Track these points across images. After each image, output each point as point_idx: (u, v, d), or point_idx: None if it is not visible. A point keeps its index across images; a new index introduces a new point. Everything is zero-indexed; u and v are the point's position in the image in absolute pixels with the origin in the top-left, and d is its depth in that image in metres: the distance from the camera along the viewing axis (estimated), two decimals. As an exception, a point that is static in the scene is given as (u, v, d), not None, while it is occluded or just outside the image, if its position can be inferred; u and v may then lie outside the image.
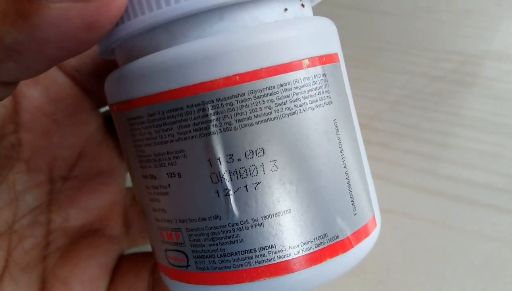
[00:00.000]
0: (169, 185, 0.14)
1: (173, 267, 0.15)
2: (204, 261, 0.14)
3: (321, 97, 0.14)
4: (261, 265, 0.14)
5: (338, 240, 0.14)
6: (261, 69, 0.13)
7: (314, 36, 0.14)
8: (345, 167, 0.15)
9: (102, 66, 0.19)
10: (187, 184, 0.14)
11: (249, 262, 0.14)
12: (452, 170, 0.26)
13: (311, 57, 0.14)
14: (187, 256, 0.15)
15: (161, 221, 0.15)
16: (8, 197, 0.18)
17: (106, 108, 0.21)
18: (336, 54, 0.15)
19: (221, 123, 0.13)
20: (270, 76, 0.13)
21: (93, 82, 0.19)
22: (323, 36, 0.15)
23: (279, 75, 0.13)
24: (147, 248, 0.22)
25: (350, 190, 0.15)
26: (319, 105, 0.14)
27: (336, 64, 0.15)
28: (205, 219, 0.14)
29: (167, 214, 0.15)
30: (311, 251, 0.14)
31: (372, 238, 0.16)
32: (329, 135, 0.14)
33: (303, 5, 0.15)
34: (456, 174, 0.26)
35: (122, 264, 0.21)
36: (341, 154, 0.14)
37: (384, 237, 0.22)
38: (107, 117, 0.21)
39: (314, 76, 0.14)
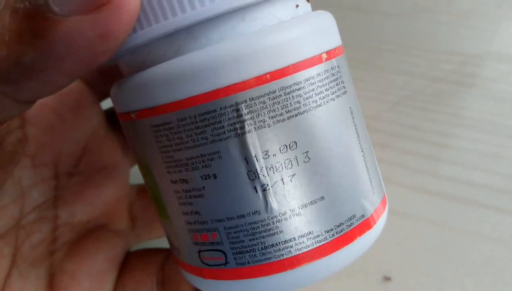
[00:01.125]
0: (203, 187, 0.14)
1: (208, 266, 0.15)
2: (245, 256, 0.15)
3: (339, 88, 0.15)
4: (301, 252, 0.14)
5: (364, 218, 0.15)
6: (289, 66, 0.14)
7: (326, 30, 0.15)
8: (362, 151, 0.16)
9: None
10: (223, 184, 0.14)
11: (290, 251, 0.14)
12: (452, 171, 0.25)
13: (328, 51, 0.15)
14: (225, 254, 0.15)
15: (194, 224, 0.15)
16: (15, 193, 0.18)
17: (107, 103, 0.21)
18: (341, 45, 0.16)
19: (255, 121, 0.13)
20: (297, 72, 0.14)
21: (95, 76, 0.19)
22: (332, 29, 0.15)
23: (304, 70, 0.14)
24: (152, 244, 0.22)
25: (368, 171, 0.16)
26: (338, 96, 0.15)
27: (344, 56, 0.16)
28: (244, 216, 0.14)
29: (201, 215, 0.15)
30: (343, 232, 0.15)
31: (386, 213, 0.17)
32: (348, 123, 0.15)
33: (308, 0, 0.16)
34: (456, 174, 0.25)
35: (130, 260, 0.21)
36: (358, 139, 0.16)
37: (384, 237, 0.22)
38: (107, 112, 0.21)
39: (332, 68, 0.15)
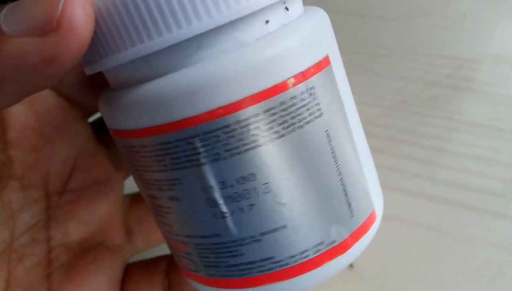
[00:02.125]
0: (170, 207, 0.15)
1: (187, 269, 0.17)
2: (211, 269, 0.15)
3: (310, 112, 0.14)
4: (263, 273, 0.15)
5: (335, 244, 0.15)
6: (244, 98, 0.13)
7: (300, 47, 0.13)
8: (339, 174, 0.15)
9: (86, 76, 0.19)
10: (186, 207, 0.15)
11: (251, 272, 0.15)
12: (448, 175, 0.25)
13: (297, 74, 0.13)
14: (196, 264, 0.16)
15: (170, 233, 0.16)
16: (4, 216, 0.17)
17: (95, 117, 0.21)
18: (326, 57, 0.14)
19: (210, 154, 0.13)
20: (254, 104, 0.13)
21: (78, 92, 0.19)
22: (311, 41, 0.14)
23: (264, 101, 0.13)
24: (151, 253, 0.22)
25: (346, 195, 0.15)
26: (309, 121, 0.14)
27: (326, 70, 0.14)
28: (207, 236, 0.15)
29: (173, 228, 0.16)
30: (309, 258, 0.15)
31: (371, 232, 0.16)
32: (321, 148, 0.14)
33: (287, 9, 0.14)
34: (452, 178, 0.25)
35: (131, 274, 0.20)
36: (335, 162, 0.15)
37: (380, 242, 0.22)
38: (96, 126, 0.21)
39: (301, 93, 0.13)
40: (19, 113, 0.18)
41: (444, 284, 0.23)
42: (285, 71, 0.13)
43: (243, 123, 0.13)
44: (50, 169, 0.19)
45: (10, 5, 0.12)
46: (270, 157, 0.14)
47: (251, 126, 0.13)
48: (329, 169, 0.14)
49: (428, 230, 0.24)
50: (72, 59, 0.12)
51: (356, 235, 0.15)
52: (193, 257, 0.16)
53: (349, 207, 0.15)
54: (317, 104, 0.14)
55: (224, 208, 0.14)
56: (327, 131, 0.14)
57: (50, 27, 0.11)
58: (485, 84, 0.27)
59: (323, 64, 0.14)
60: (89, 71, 0.14)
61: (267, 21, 0.14)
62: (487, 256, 0.23)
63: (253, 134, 0.13)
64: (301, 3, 0.15)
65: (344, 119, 0.15)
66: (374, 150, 0.25)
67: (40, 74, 0.12)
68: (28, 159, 0.18)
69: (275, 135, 0.13)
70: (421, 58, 0.28)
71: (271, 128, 0.13)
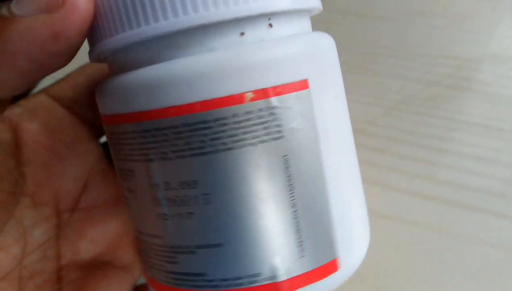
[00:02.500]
0: (129, 198, 0.15)
1: (143, 267, 0.17)
2: (153, 270, 0.15)
3: (267, 132, 0.13)
4: (195, 289, 0.14)
5: (274, 281, 0.14)
6: (196, 102, 0.13)
7: (268, 64, 0.13)
8: (293, 206, 0.14)
9: None
10: (138, 201, 0.15)
11: (185, 284, 0.14)
12: (449, 175, 0.25)
13: (257, 90, 0.13)
14: (145, 262, 0.16)
15: (132, 228, 0.16)
16: (16, 233, 0.18)
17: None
18: (303, 81, 0.14)
19: (158, 151, 0.13)
20: (205, 110, 0.13)
21: (90, 112, 0.20)
22: (284, 61, 0.13)
23: (215, 109, 0.13)
24: None
25: (298, 231, 0.14)
26: (264, 141, 0.13)
27: (300, 93, 0.13)
28: (151, 235, 0.15)
29: (132, 222, 0.16)
30: (242, 287, 0.14)
31: (327, 283, 0.14)
32: (275, 173, 0.13)
33: (270, 25, 0.14)
34: (452, 178, 0.25)
35: None
36: (290, 192, 0.13)
37: (381, 243, 0.24)
38: (107, 146, 0.21)
39: (260, 110, 0.13)
40: (33, 131, 0.18)
41: (444, 284, 0.23)
42: (244, 84, 0.13)
43: (191, 127, 0.13)
44: (61, 187, 0.19)
45: None
46: (214, 167, 0.13)
47: (199, 132, 0.13)
48: (281, 197, 0.13)
49: (428, 230, 0.24)
50: (76, 34, 0.13)
51: (302, 279, 0.14)
52: (143, 254, 0.16)
53: (300, 245, 0.14)
54: (278, 125, 0.13)
55: (165, 210, 0.14)
56: (286, 156, 0.13)
57: (56, 4, 0.12)
58: (486, 84, 0.26)
59: (297, 87, 0.13)
60: (91, 58, 0.16)
61: (242, 33, 0.13)
62: (487, 256, 0.23)
63: (199, 141, 0.13)
64: (301, 24, 0.15)
65: (315, 150, 0.14)
66: (374, 150, 0.26)
67: (48, 50, 0.13)
68: (40, 176, 0.18)
69: (222, 147, 0.13)
70: (421, 58, 0.27)
71: (219, 138, 0.13)
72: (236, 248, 0.13)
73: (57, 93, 0.19)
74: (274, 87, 0.13)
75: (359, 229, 0.15)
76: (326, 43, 0.15)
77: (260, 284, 0.14)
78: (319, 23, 0.23)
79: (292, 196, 0.13)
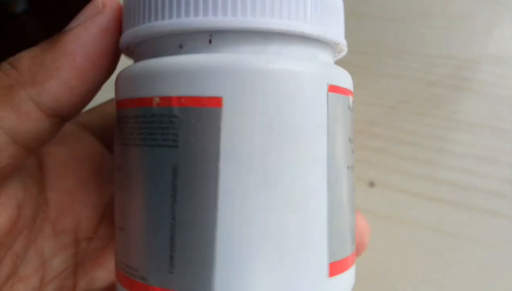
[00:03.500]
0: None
1: None
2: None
3: (164, 138, 0.14)
4: (127, 277, 0.15)
5: (145, 283, 0.14)
6: (124, 99, 0.15)
7: (178, 74, 0.14)
8: (172, 218, 0.14)
9: None
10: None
11: (123, 273, 0.16)
12: (449, 175, 0.25)
13: (163, 96, 0.14)
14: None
15: None
16: (36, 263, 0.17)
17: None
18: (216, 98, 0.13)
19: (117, 137, 0.16)
20: (130, 106, 0.15)
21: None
22: (197, 75, 0.14)
23: (134, 107, 0.15)
24: None
25: (172, 245, 0.14)
26: (159, 145, 0.14)
27: (210, 110, 0.13)
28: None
29: None
30: (126, 275, 0.15)
31: None
32: (161, 179, 0.14)
33: (210, 42, 0.14)
34: (453, 179, 0.25)
35: None
36: (172, 204, 0.14)
37: (381, 243, 0.24)
38: None
39: (162, 116, 0.14)
40: (59, 155, 0.19)
41: (444, 284, 0.23)
42: (154, 89, 0.14)
43: (123, 120, 0.15)
44: (82, 215, 0.19)
45: None
46: (128, 159, 0.15)
47: (125, 125, 0.15)
48: (163, 206, 0.14)
49: (428, 230, 0.25)
50: (117, 29, 0.16)
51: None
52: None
53: (171, 260, 0.14)
54: (174, 134, 0.14)
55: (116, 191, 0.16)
56: (176, 167, 0.14)
57: (98, 8, 0.16)
58: (485, 84, 0.27)
59: (206, 102, 0.14)
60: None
61: (180, 46, 0.15)
62: (487, 256, 0.24)
63: (125, 132, 0.15)
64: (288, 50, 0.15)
65: (212, 169, 0.13)
66: (375, 150, 0.27)
67: (100, 45, 0.16)
68: (63, 202, 0.18)
69: (133, 141, 0.15)
70: (422, 59, 0.28)
71: (132, 133, 0.15)
72: (129, 236, 0.15)
73: (85, 121, 0.20)
74: (179, 97, 0.14)
75: (253, 271, 0.13)
76: (274, 72, 0.14)
77: (136, 279, 0.14)
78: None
79: (173, 209, 0.14)
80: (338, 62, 0.17)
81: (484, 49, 0.27)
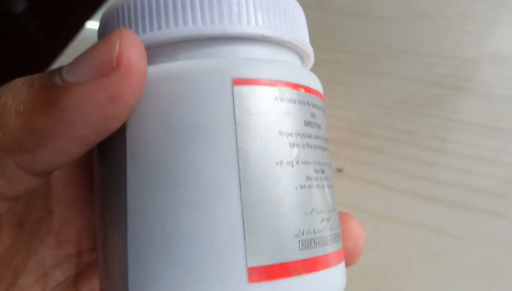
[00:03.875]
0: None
1: None
2: None
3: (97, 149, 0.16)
4: None
5: None
6: None
7: None
8: (103, 224, 0.15)
9: None
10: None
11: None
12: (448, 175, 0.25)
13: None
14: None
15: None
16: (37, 274, 0.17)
17: None
18: None
19: None
20: None
21: None
22: None
23: None
24: None
25: (104, 247, 0.14)
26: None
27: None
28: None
29: None
30: None
31: None
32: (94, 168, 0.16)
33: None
34: (452, 179, 0.25)
35: None
36: (103, 211, 0.15)
37: (381, 243, 0.24)
38: None
39: None
40: (64, 168, 0.18)
41: (444, 284, 0.23)
42: None
43: None
44: (86, 225, 0.19)
45: (71, 61, 0.13)
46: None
47: None
48: (100, 212, 0.15)
49: (428, 230, 0.25)
50: (134, 94, 0.13)
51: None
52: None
53: (105, 262, 0.15)
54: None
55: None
56: (101, 175, 0.15)
57: (111, 66, 0.12)
58: (485, 84, 0.27)
59: None
60: None
61: None
62: (487, 257, 0.24)
63: None
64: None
65: (121, 177, 0.14)
66: (374, 150, 0.27)
67: (107, 114, 0.12)
68: (67, 214, 0.18)
69: None
70: (421, 59, 0.28)
71: None
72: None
73: None
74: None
75: (161, 272, 0.13)
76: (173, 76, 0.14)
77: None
78: (320, 24, 0.25)
79: (104, 214, 0.14)
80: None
81: (484, 50, 0.28)
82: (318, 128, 0.15)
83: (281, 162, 0.13)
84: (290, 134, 0.14)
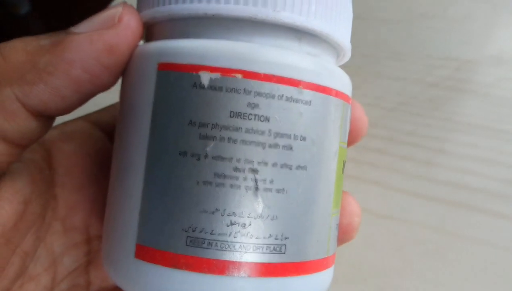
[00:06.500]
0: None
1: None
2: None
3: None
4: None
5: None
6: None
7: None
8: None
9: None
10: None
11: None
12: (449, 176, 0.26)
13: None
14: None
15: None
16: (46, 261, 0.17)
17: None
18: None
19: None
20: None
21: None
22: None
23: None
24: None
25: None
26: None
27: None
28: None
29: None
30: None
31: None
32: None
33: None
34: (452, 179, 0.25)
35: None
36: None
37: (382, 243, 0.24)
38: None
39: None
40: (68, 152, 0.18)
41: (444, 284, 0.24)
42: None
43: None
44: (93, 211, 0.19)
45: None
46: None
47: None
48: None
49: (428, 230, 0.25)
50: (127, 50, 0.14)
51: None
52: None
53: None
54: None
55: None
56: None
57: (113, 21, 0.14)
58: (485, 85, 0.27)
59: None
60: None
61: None
62: (488, 256, 0.24)
63: None
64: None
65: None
66: (375, 151, 0.27)
67: (102, 61, 0.14)
68: (73, 199, 0.18)
69: None
70: (421, 60, 0.28)
71: None
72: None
73: (96, 119, 0.20)
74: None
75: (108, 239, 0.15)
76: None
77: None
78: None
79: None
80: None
81: (483, 51, 0.28)
82: (263, 121, 0.13)
83: (185, 153, 0.13)
84: (204, 125, 0.13)
